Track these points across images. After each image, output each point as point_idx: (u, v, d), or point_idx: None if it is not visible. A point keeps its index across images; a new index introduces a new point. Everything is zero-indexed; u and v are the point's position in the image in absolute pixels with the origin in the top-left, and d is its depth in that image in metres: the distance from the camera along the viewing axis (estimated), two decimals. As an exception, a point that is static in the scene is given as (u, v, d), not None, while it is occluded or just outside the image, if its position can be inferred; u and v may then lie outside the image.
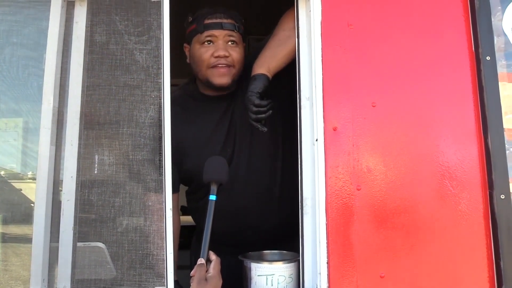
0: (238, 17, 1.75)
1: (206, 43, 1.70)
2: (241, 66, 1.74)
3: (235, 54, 1.71)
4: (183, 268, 1.66)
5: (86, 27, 1.49)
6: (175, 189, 1.57)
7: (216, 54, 1.68)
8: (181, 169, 1.79)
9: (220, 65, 1.69)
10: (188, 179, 1.85)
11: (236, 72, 1.73)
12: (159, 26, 1.46)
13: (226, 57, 1.69)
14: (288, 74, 1.61)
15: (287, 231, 1.71)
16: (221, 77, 1.70)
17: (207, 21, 1.69)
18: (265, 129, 1.61)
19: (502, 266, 1.40)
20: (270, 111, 1.59)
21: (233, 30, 1.70)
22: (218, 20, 1.69)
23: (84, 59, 1.48)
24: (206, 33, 1.69)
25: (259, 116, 1.59)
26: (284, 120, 1.78)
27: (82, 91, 1.48)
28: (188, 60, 1.80)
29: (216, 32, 1.68)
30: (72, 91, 1.47)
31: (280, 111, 1.74)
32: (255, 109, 1.58)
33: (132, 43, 1.48)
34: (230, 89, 1.75)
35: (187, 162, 1.78)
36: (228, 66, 1.70)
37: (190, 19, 1.75)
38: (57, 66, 1.47)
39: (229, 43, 1.70)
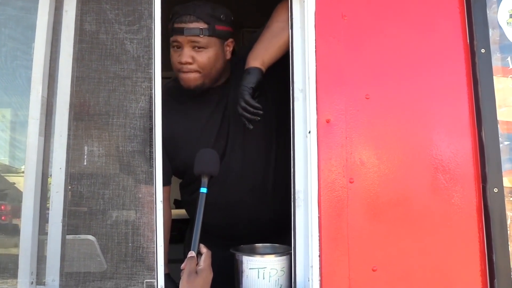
0: (213, 15, 1.66)
1: (175, 47, 1.68)
2: (214, 68, 1.69)
3: (201, 59, 1.65)
4: (177, 261, 1.65)
5: (76, 16, 1.47)
6: (166, 182, 1.55)
7: (178, 60, 1.66)
8: (175, 161, 1.77)
9: (185, 71, 1.67)
10: (181, 172, 1.83)
11: (207, 74, 1.69)
12: (150, 16, 1.44)
13: (189, 63, 1.65)
14: (283, 65, 1.60)
15: (281, 224, 1.70)
16: (188, 82, 1.68)
17: (175, 25, 1.65)
18: (251, 126, 1.60)
19: (494, 259, 1.39)
20: (257, 117, 1.57)
21: (198, 35, 1.63)
22: (182, 25, 1.63)
23: (73, 48, 1.46)
24: (172, 38, 1.67)
25: (244, 113, 1.57)
26: (278, 112, 1.76)
27: (72, 81, 1.45)
28: None
29: (179, 38, 1.64)
30: (61, 81, 1.45)
31: (274, 103, 1.72)
32: (243, 104, 1.57)
33: (122, 32, 1.46)
34: (202, 88, 1.71)
35: (180, 154, 1.77)
36: (193, 71, 1.67)
37: (170, 16, 1.70)
38: (46, 56, 1.45)
39: (195, 48, 1.66)
